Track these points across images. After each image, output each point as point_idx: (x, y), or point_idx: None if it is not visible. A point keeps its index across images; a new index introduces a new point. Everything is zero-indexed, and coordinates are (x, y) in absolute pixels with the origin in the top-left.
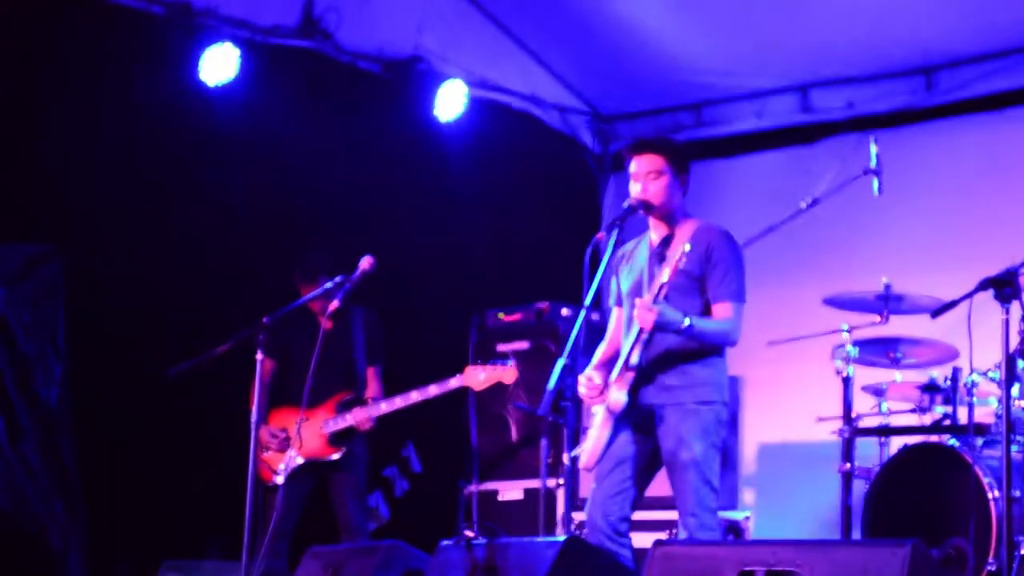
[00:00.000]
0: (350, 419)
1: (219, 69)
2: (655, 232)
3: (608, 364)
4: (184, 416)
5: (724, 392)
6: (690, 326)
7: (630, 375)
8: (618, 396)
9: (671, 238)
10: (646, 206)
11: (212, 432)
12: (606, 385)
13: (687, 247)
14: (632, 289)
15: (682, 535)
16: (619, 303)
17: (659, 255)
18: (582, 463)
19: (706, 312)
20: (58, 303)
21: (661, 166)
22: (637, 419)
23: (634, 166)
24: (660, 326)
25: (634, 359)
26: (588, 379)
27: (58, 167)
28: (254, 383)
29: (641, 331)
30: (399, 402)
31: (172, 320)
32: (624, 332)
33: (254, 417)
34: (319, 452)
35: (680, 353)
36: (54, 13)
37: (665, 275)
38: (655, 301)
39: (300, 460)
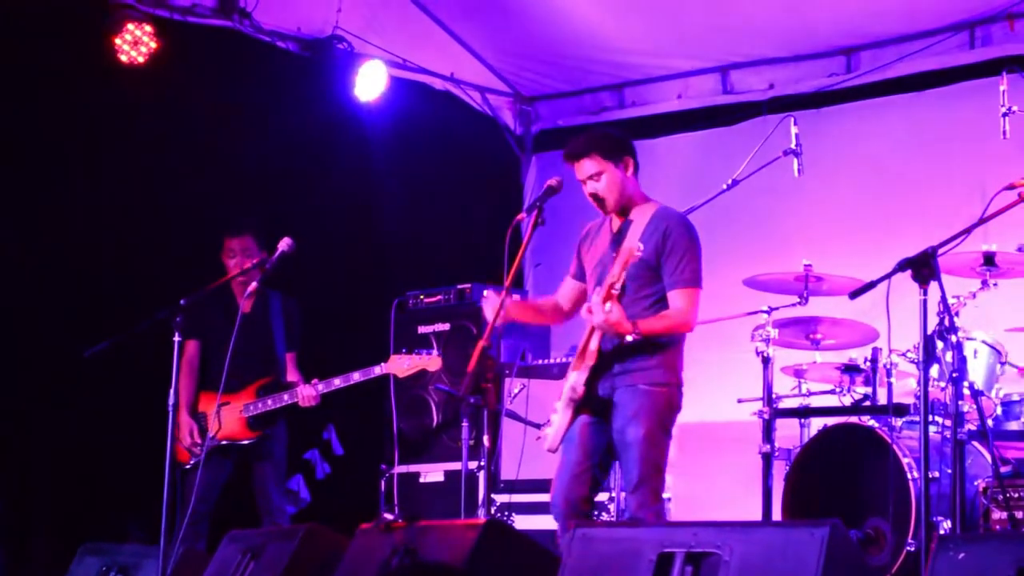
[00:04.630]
0: (288, 399)
1: (136, 48)
2: (617, 219)
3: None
4: (102, 398)
5: (678, 374)
6: (636, 336)
7: (589, 362)
8: (577, 381)
9: (629, 224)
10: (599, 203)
11: (131, 414)
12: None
13: (640, 248)
14: (595, 273)
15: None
16: (577, 276)
17: (616, 242)
18: (546, 445)
19: (662, 298)
20: None
21: (597, 166)
22: (596, 406)
23: (576, 173)
24: (608, 332)
25: (593, 347)
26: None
27: None
28: (173, 365)
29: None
30: (321, 387)
31: (88, 301)
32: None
33: (171, 399)
34: (237, 435)
35: (635, 343)
36: None
37: (615, 274)
38: (606, 303)
39: (217, 442)
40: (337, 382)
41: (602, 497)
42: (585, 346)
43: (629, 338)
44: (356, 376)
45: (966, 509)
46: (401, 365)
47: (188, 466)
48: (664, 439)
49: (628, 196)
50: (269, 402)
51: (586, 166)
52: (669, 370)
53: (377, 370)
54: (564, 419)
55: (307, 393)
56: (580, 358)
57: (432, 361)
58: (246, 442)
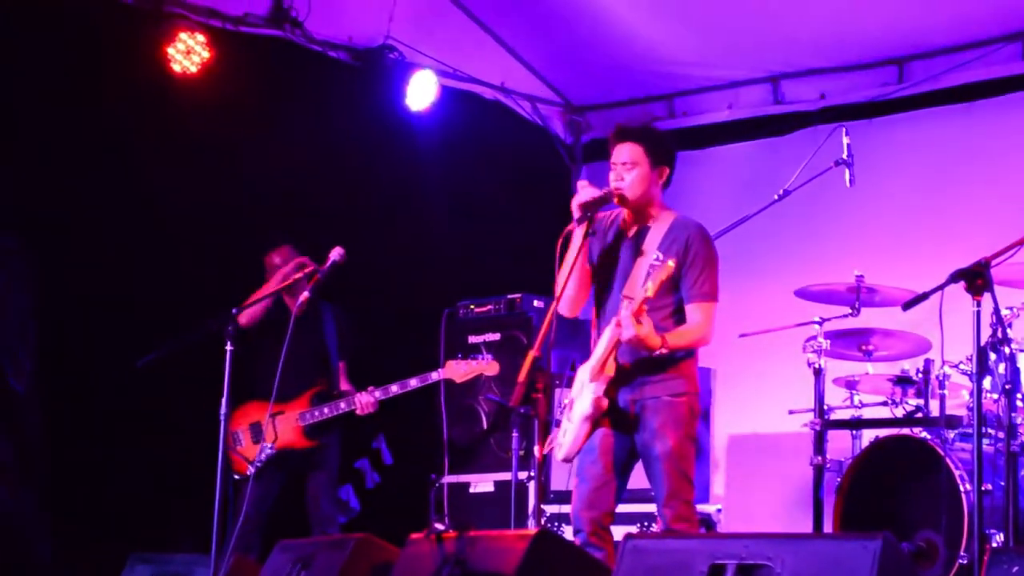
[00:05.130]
0: (345, 407)
1: (189, 58)
2: (631, 221)
3: None
4: (154, 407)
5: (695, 383)
6: (663, 351)
7: (609, 373)
8: (598, 394)
9: (646, 230)
10: (620, 198)
11: (182, 423)
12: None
13: (671, 265)
14: (606, 277)
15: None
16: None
17: (633, 247)
18: (561, 455)
19: (679, 308)
20: (27, 295)
21: (637, 156)
22: (614, 415)
23: (613, 154)
24: (637, 346)
25: (611, 359)
26: None
27: (26, 160)
28: (224, 374)
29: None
30: (379, 394)
31: (141, 311)
32: (599, 320)
33: (223, 409)
34: (293, 443)
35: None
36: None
37: (650, 290)
38: (639, 317)
39: (274, 451)
40: (394, 388)
41: (652, 508)
42: (603, 358)
43: (657, 353)
44: (413, 382)
45: (1019, 522)
46: (458, 370)
47: (243, 476)
48: (690, 448)
49: (648, 199)
50: (325, 410)
51: (627, 151)
52: (688, 380)
53: (435, 375)
54: (582, 430)
55: (365, 400)
56: (599, 370)
57: (489, 366)
58: (302, 450)
